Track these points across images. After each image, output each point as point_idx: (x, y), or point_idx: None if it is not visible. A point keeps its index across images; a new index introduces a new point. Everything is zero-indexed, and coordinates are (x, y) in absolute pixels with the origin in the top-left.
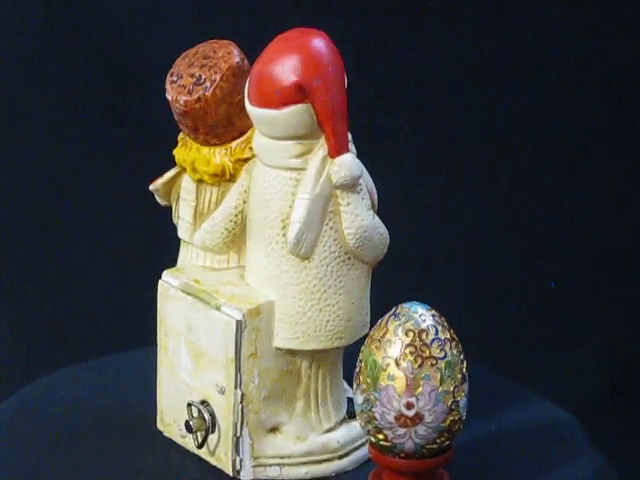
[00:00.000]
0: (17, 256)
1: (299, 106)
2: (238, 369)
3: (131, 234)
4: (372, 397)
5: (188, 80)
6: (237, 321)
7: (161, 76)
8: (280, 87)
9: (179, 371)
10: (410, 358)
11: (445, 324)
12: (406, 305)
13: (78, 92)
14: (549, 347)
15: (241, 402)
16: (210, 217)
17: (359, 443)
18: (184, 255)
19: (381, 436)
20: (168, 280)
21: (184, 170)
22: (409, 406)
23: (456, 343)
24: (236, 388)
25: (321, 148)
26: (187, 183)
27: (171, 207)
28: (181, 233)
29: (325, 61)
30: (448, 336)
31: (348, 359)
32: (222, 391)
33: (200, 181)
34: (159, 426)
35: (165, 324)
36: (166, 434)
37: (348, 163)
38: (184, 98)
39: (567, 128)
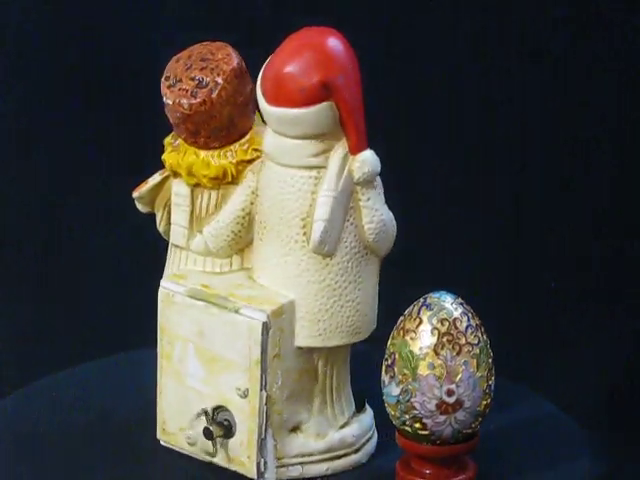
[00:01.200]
0: (17, 257)
1: (323, 104)
2: (264, 371)
3: (132, 234)
4: (411, 387)
5: (189, 83)
6: (263, 323)
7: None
8: (305, 86)
9: (187, 379)
10: (448, 346)
11: (472, 311)
12: (435, 295)
13: (79, 92)
14: (549, 347)
15: (266, 404)
16: (214, 220)
17: (369, 436)
18: (176, 261)
19: (419, 425)
20: (170, 287)
21: (175, 175)
22: (450, 393)
23: (483, 329)
24: (262, 390)
25: (341, 145)
26: (179, 188)
27: (154, 214)
28: (175, 239)
29: (346, 58)
30: (477, 322)
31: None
32: (244, 394)
33: (196, 185)
34: (160, 436)
35: (168, 332)
36: (166, 443)
37: (369, 159)
38: (188, 101)
39: (569, 128)
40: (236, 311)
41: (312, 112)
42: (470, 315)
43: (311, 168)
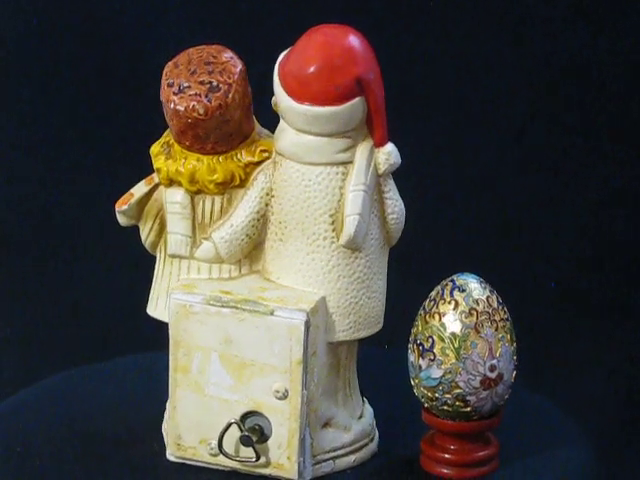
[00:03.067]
0: (18, 258)
1: (356, 100)
2: (305, 370)
3: (133, 236)
4: (455, 368)
5: (200, 88)
6: (305, 322)
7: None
8: (341, 83)
9: (208, 389)
10: (487, 324)
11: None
12: (461, 277)
13: (78, 92)
14: (549, 347)
15: (306, 403)
16: (226, 225)
17: (375, 423)
18: (174, 272)
19: (461, 403)
20: (185, 298)
21: (170, 184)
22: (492, 369)
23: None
24: (303, 389)
25: (366, 139)
26: (176, 197)
27: (136, 226)
28: (175, 249)
29: (371, 54)
30: (501, 299)
31: None
32: (284, 396)
33: (197, 192)
34: (173, 452)
35: (185, 343)
36: (180, 459)
37: (394, 151)
38: (204, 106)
39: (570, 128)
40: (271, 313)
41: (346, 108)
42: (495, 292)
43: (338, 164)
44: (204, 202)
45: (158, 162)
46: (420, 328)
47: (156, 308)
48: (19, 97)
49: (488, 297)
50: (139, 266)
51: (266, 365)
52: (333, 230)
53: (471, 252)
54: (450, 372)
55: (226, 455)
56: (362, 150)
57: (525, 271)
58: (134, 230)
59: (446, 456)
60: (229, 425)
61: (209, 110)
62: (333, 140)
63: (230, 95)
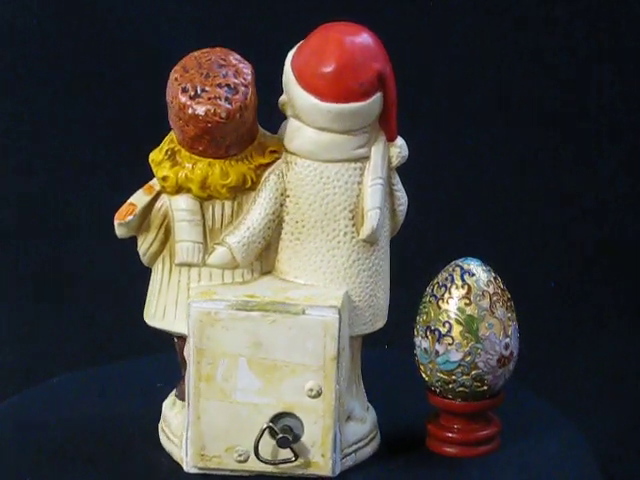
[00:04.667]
0: (18, 260)
1: (377, 95)
2: (338, 366)
3: (133, 238)
4: (474, 349)
5: (218, 91)
6: (338, 318)
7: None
8: (364, 79)
9: (235, 395)
10: (499, 304)
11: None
12: (465, 261)
13: (79, 93)
14: (548, 347)
15: (339, 398)
16: (242, 229)
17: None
18: (183, 281)
19: (478, 383)
20: (208, 305)
21: (177, 191)
22: (506, 346)
23: None
24: (337, 385)
25: (379, 134)
26: (183, 203)
27: (135, 237)
28: (187, 256)
29: (384, 49)
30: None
31: None
32: (318, 394)
33: (206, 198)
34: (196, 463)
35: (210, 351)
36: (203, 470)
37: (404, 144)
38: (225, 109)
39: (570, 128)
40: (302, 313)
41: (368, 104)
42: (497, 274)
43: (356, 160)
44: (214, 207)
45: (163, 170)
46: (433, 314)
47: (163, 318)
48: (19, 97)
49: (495, 278)
50: (140, 269)
51: (298, 365)
52: (353, 225)
53: (470, 252)
54: (470, 354)
55: (263, 460)
56: (377, 145)
57: (525, 271)
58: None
59: (452, 435)
60: (264, 430)
61: (231, 113)
62: (352, 136)
63: (248, 97)
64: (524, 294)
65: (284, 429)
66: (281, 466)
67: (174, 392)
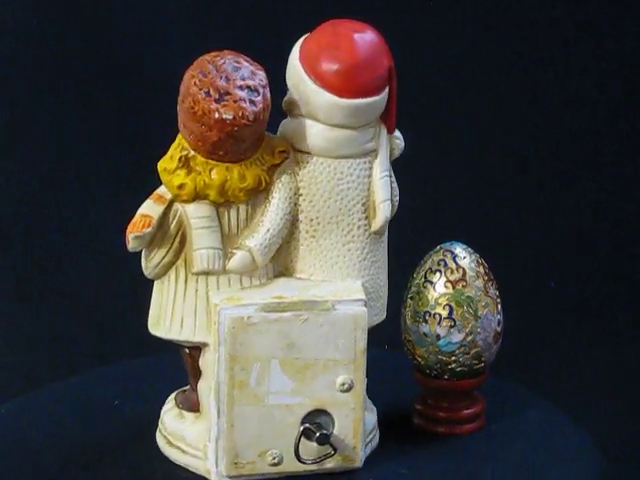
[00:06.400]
0: (19, 260)
1: (387, 89)
2: (367, 358)
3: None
4: (475, 329)
5: (240, 94)
6: (366, 310)
7: (160, 74)
8: (379, 73)
9: (269, 398)
10: (489, 284)
11: None
12: (452, 245)
13: (80, 94)
14: (548, 347)
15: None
16: (262, 231)
17: None
18: (200, 288)
19: (476, 361)
20: (239, 311)
21: (194, 198)
22: (499, 323)
23: None
24: (366, 377)
25: (380, 127)
26: (201, 211)
27: (141, 250)
28: (208, 264)
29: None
30: None
31: None
32: (349, 388)
33: (224, 202)
34: (229, 473)
35: (243, 357)
36: (235, 478)
37: (401, 135)
38: (252, 111)
39: (570, 129)
40: (333, 308)
41: (381, 98)
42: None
43: (365, 154)
44: (229, 212)
45: (178, 178)
46: (431, 299)
47: (181, 330)
48: (20, 98)
49: (481, 258)
50: (139, 271)
51: (329, 361)
52: (365, 218)
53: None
54: (471, 333)
55: (304, 461)
56: (381, 137)
57: (525, 271)
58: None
59: (441, 414)
60: (302, 431)
61: (257, 115)
62: (362, 131)
63: (268, 97)
64: (524, 294)
65: (318, 427)
66: (319, 463)
67: (174, 403)
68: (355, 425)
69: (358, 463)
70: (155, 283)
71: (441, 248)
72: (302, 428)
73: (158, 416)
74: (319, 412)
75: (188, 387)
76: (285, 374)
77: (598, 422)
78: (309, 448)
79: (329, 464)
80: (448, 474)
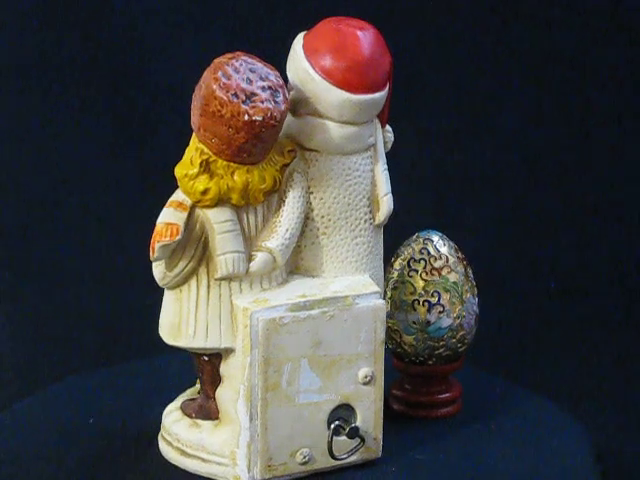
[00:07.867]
0: (19, 262)
1: (388, 83)
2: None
3: (136, 239)
4: (462, 312)
5: (264, 95)
6: (384, 302)
7: (162, 74)
8: (386, 68)
9: (299, 398)
10: (469, 268)
11: None
12: (429, 234)
13: (81, 94)
14: (547, 346)
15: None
16: (281, 231)
17: None
18: (224, 293)
19: (460, 344)
20: (270, 313)
21: (218, 202)
22: (478, 304)
23: None
24: (384, 367)
25: (375, 121)
26: (223, 215)
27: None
28: (233, 268)
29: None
30: None
31: None
32: (370, 380)
33: (244, 205)
34: (263, 475)
35: (275, 359)
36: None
37: (390, 129)
38: (279, 111)
39: (570, 129)
40: (354, 303)
41: (386, 92)
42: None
43: (368, 148)
44: (248, 215)
45: (202, 183)
46: (418, 287)
47: (206, 337)
48: (20, 98)
49: (455, 245)
50: (144, 271)
51: (352, 355)
52: (370, 212)
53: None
54: (458, 317)
55: (337, 457)
56: (379, 131)
57: (525, 271)
58: (138, 232)
59: (422, 399)
60: (335, 429)
61: (283, 115)
62: (367, 126)
63: (288, 97)
64: (524, 294)
65: (345, 422)
66: (344, 457)
67: (181, 413)
68: (376, 416)
69: (378, 453)
70: (169, 292)
71: (419, 237)
72: (333, 426)
73: (158, 417)
74: (340, 407)
75: (198, 395)
76: (313, 372)
77: (595, 418)
78: (337, 444)
79: (352, 457)
80: (460, 457)
